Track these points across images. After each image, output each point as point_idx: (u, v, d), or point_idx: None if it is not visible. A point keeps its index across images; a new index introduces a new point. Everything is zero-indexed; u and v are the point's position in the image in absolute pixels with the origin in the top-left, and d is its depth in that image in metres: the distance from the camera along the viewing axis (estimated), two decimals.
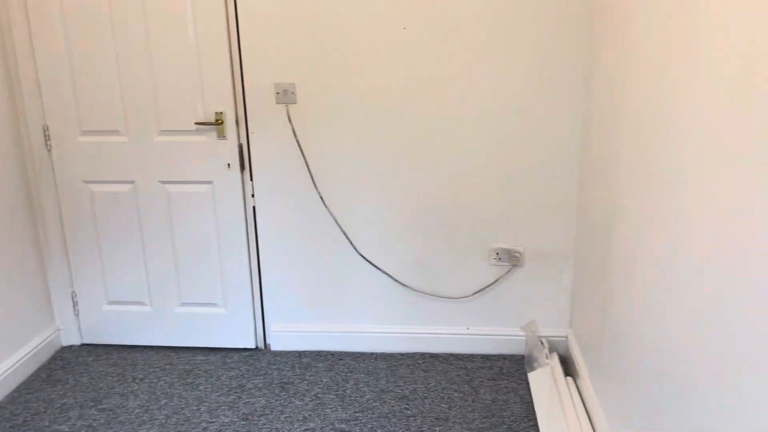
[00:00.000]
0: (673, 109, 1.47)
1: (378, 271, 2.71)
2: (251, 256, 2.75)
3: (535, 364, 2.58)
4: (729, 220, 1.17)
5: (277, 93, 2.54)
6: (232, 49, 2.51)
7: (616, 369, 1.93)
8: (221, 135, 2.59)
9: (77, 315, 2.90)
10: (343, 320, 2.79)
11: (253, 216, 2.71)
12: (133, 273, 2.81)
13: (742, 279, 1.12)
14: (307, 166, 2.61)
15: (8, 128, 2.57)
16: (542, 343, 2.65)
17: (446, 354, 2.75)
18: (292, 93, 2.53)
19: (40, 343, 2.75)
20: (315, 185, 2.63)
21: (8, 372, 2.53)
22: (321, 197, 2.64)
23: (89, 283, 2.84)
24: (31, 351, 2.68)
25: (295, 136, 2.58)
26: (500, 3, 2.36)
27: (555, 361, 2.56)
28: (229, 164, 2.62)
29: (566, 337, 2.70)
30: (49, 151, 2.69)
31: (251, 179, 2.65)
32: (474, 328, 2.74)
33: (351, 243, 2.69)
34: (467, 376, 2.58)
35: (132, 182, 2.70)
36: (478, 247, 2.64)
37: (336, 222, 2.66)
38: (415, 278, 2.71)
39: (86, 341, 2.93)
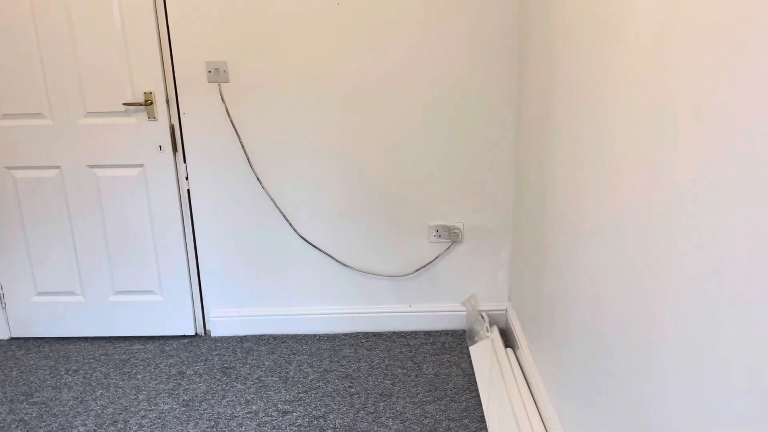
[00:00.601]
0: (600, 83, 1.50)
1: (318, 251, 2.69)
2: (187, 241, 2.68)
3: (476, 338, 2.62)
4: (651, 171, 1.20)
5: (209, 72, 2.47)
6: (160, 25, 2.42)
7: (552, 338, 1.98)
8: (151, 116, 2.50)
9: (4, 308, 2.77)
10: (285, 303, 2.77)
11: (188, 199, 2.64)
12: (62, 262, 2.70)
13: (665, 233, 1.15)
14: (243, 146, 2.56)
15: None
16: (483, 317, 2.69)
17: (389, 332, 2.76)
18: (224, 71, 2.47)
19: None
20: (251, 166, 2.58)
21: None
22: (258, 178, 2.59)
23: (15, 275, 2.72)
24: None
25: (229, 116, 2.52)
26: None
27: (495, 334, 2.61)
28: (160, 146, 2.54)
29: (506, 310, 2.75)
30: None
31: (185, 161, 2.58)
32: (416, 306, 2.76)
33: (290, 224, 2.66)
34: (410, 352, 2.60)
35: (58, 167, 2.58)
36: (418, 224, 2.65)
37: (274, 203, 2.62)
38: (356, 258, 2.70)
39: (15, 335, 2.80)
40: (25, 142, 2.54)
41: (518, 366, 2.38)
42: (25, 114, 2.52)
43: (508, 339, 2.67)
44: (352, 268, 2.71)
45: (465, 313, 2.75)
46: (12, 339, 2.80)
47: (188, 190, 2.62)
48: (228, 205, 2.63)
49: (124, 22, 2.39)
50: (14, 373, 2.53)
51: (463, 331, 2.75)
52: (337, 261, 2.70)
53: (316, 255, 2.69)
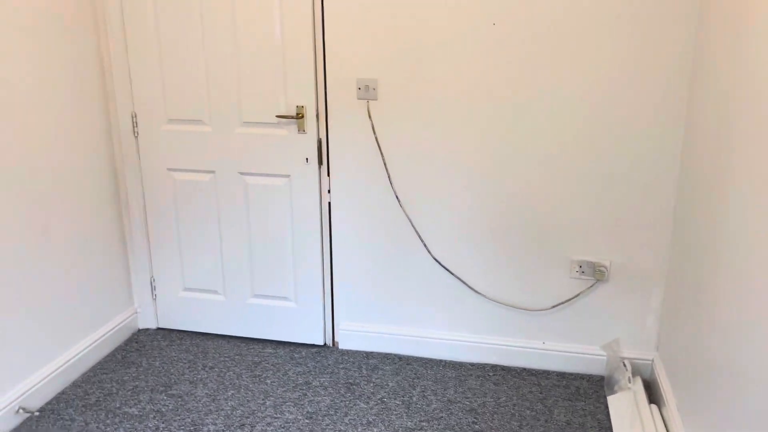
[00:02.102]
0: None
1: (451, 276, 2.61)
2: (324, 253, 2.72)
3: (615, 387, 2.42)
4: None
5: (359, 88, 2.48)
6: (317, 43, 2.48)
7: (710, 405, 1.76)
8: (301, 129, 2.56)
9: (155, 299, 2.96)
10: (413, 324, 2.72)
11: (328, 212, 2.67)
12: (209, 262, 2.84)
13: None
14: (385, 164, 2.54)
15: (100, 114, 2.65)
16: (625, 365, 2.47)
17: (519, 368, 2.62)
18: (374, 89, 2.47)
19: (119, 324, 2.83)
20: (391, 184, 2.56)
21: (88, 350, 2.61)
22: (397, 197, 2.57)
23: (167, 269, 2.90)
24: (109, 331, 2.76)
25: (374, 133, 2.52)
26: None
27: (638, 386, 2.38)
28: (307, 159, 2.59)
29: (652, 360, 2.51)
30: (136, 137, 2.75)
31: (328, 175, 2.62)
32: (550, 343, 2.60)
33: (424, 245, 2.60)
34: (541, 393, 2.45)
35: (212, 172, 2.72)
36: (560, 257, 2.50)
37: (411, 223, 2.59)
38: (489, 286, 2.59)
39: (162, 326, 2.99)
40: (185, 146, 2.71)
41: (663, 426, 2.15)
42: (187, 120, 2.68)
43: (652, 393, 2.43)
44: (484, 295, 2.61)
45: (605, 358, 2.54)
46: (159, 329, 2.99)
47: (329, 203, 2.65)
48: (365, 221, 2.63)
49: (284, 38, 2.47)
50: (157, 362, 2.69)
51: (601, 378, 2.55)
52: (469, 287, 2.61)
53: (448, 278, 2.62)
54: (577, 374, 2.57)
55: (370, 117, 2.51)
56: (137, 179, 2.80)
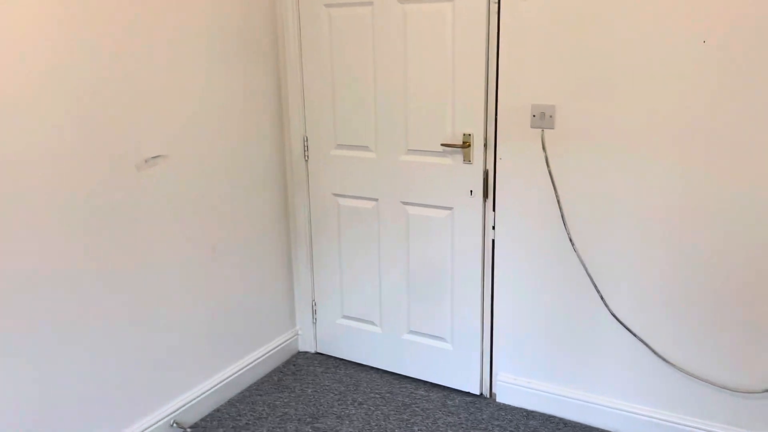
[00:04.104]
0: None
1: (633, 337, 2.22)
2: (485, 294, 2.48)
3: None
4: None
5: (533, 116, 2.22)
6: (489, 66, 2.27)
7: None
8: (467, 159, 2.36)
9: (315, 323, 2.95)
10: (582, 386, 2.36)
11: (491, 250, 2.43)
12: (367, 291, 2.75)
13: None
14: (558, 200, 2.24)
15: (276, 137, 2.70)
16: None
17: None
18: (550, 117, 2.19)
19: (279, 345, 2.85)
20: (565, 225, 2.25)
21: (247, 368, 2.66)
22: (570, 239, 2.25)
23: (328, 294, 2.87)
24: (270, 351, 2.79)
25: (548, 165, 2.23)
26: None
27: None
28: (471, 191, 2.39)
29: None
30: (306, 161, 2.76)
31: (494, 210, 2.38)
32: None
33: (601, 297, 2.25)
34: None
35: (375, 200, 2.63)
36: None
37: (585, 270, 2.25)
38: (680, 354, 2.16)
39: (320, 350, 2.97)
40: (351, 172, 2.65)
41: None
42: (354, 146, 2.62)
43: None
44: (673, 365, 2.18)
45: None
46: (317, 353, 2.97)
47: (493, 241, 2.42)
48: (532, 263, 2.34)
49: (455, 64, 2.30)
50: (309, 390, 2.65)
51: None
52: (654, 353, 2.20)
53: (628, 339, 2.23)
54: None
55: (544, 148, 2.23)
56: (305, 202, 2.81)
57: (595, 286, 2.25)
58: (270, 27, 2.60)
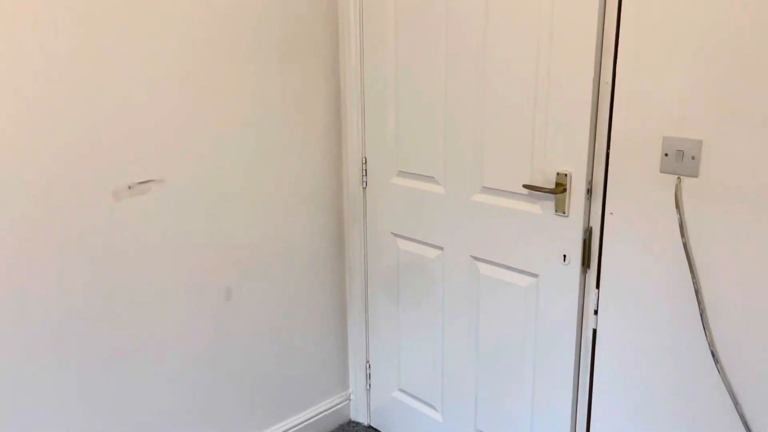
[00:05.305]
0: None
1: None
2: (578, 399, 1.74)
3: None
4: None
5: (665, 155, 1.44)
6: (602, 76, 1.52)
7: None
8: (560, 208, 1.63)
9: (368, 390, 2.37)
10: None
11: (591, 343, 1.68)
12: (428, 361, 2.11)
13: None
14: (695, 286, 1.45)
15: (329, 155, 2.16)
16: None
17: None
18: (692, 158, 1.40)
19: (329, 409, 2.33)
20: (702, 322, 1.45)
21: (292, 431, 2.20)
22: (712, 350, 1.44)
23: (383, 356, 2.28)
24: (318, 415, 2.30)
25: (683, 235, 1.44)
26: None
27: None
28: (565, 255, 1.65)
29: None
30: (364, 188, 2.18)
31: (597, 287, 1.62)
32: None
33: None
34: None
35: (441, 248, 1.98)
36: None
37: (730, 393, 1.43)
38: None
39: (374, 424, 2.38)
40: (413, 207, 2.03)
41: None
42: (418, 175, 1.99)
43: None
44: None
45: None
46: (370, 427, 2.38)
47: (594, 330, 1.66)
48: (652, 370, 1.56)
49: (550, 76, 1.59)
50: None
51: None
52: None
53: None
54: None
55: (678, 205, 1.44)
56: (361, 241, 2.23)
57: (743, 419, 1.43)
58: (328, 18, 2.05)
